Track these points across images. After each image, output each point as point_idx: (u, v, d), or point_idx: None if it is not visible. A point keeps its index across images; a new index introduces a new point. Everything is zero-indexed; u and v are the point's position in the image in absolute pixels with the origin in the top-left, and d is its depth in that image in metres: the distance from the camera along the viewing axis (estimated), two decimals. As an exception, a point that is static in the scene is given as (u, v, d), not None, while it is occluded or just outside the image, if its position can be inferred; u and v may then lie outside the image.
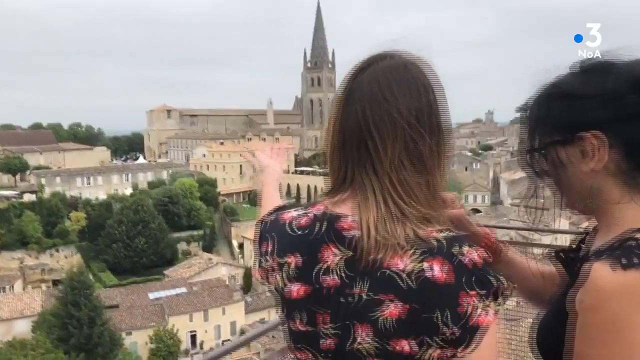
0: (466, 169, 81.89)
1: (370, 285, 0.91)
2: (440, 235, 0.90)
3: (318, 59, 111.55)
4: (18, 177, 72.32)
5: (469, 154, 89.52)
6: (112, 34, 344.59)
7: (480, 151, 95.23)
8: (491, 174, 79.69)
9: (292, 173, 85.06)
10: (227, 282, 46.03)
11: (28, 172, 73.53)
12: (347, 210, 0.96)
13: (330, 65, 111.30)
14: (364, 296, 0.91)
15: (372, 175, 0.94)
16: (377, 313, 0.89)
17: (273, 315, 44.41)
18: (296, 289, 0.98)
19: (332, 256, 0.95)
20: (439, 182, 0.96)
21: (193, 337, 42.02)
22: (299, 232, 1.00)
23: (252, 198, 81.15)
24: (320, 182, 78.97)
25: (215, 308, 42.32)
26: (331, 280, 0.94)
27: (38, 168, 75.47)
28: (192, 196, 66.87)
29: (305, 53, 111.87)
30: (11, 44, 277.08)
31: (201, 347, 41.90)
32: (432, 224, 0.92)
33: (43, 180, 68.15)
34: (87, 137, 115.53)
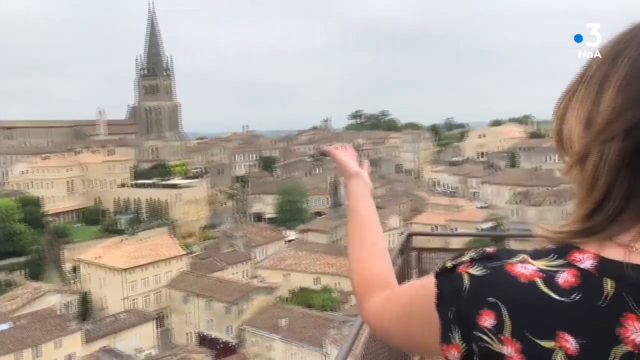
0: (306, 175, 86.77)
1: None
2: None
3: (155, 66, 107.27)
4: None
5: (309, 159, 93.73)
6: None
7: (320, 157, 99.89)
8: (329, 178, 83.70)
9: (130, 186, 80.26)
10: (59, 312, 41.77)
11: None
12: None
13: (166, 73, 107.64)
14: None
15: None
16: None
17: (117, 342, 41.22)
18: None
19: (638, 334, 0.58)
20: None
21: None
22: (570, 297, 0.61)
23: (87, 216, 74.83)
24: (162, 195, 75.66)
25: (47, 342, 38.12)
26: None
27: None
28: (11, 219, 60.16)
29: (137, 60, 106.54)
30: None
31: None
32: None
33: None
34: None
